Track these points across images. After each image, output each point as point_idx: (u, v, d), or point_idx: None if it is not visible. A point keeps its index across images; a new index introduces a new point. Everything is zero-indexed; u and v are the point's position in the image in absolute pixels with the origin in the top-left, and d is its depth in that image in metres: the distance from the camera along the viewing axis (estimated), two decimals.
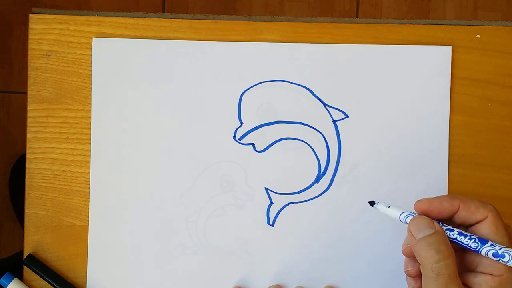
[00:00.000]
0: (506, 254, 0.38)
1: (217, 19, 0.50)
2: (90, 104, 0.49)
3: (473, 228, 0.41)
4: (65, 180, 0.49)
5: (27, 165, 0.49)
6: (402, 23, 0.50)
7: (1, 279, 0.48)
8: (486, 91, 0.49)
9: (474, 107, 0.49)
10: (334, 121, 0.49)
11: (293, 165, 0.49)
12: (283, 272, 0.49)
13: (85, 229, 0.49)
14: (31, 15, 0.49)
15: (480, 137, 0.49)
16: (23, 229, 0.49)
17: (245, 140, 0.49)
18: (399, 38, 0.49)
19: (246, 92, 0.49)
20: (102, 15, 0.49)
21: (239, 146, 0.49)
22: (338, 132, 0.49)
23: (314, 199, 0.49)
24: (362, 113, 0.49)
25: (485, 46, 0.49)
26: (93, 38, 0.49)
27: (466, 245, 0.40)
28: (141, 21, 0.49)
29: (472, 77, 0.49)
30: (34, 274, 0.49)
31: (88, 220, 0.49)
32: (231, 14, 0.51)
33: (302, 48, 0.49)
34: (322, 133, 0.49)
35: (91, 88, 0.49)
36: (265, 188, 0.49)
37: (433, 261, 0.39)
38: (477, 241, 0.39)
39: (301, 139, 0.49)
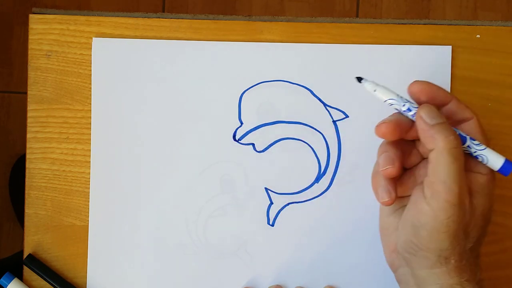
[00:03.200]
0: (484, 157, 0.39)
1: (217, 19, 0.50)
2: (90, 104, 0.49)
3: (458, 127, 0.41)
4: (65, 180, 0.49)
5: (27, 165, 0.49)
6: (402, 23, 0.50)
7: (1, 279, 0.48)
8: (486, 91, 0.49)
9: (474, 107, 0.49)
10: (334, 121, 0.49)
11: (293, 165, 0.49)
12: (283, 272, 0.49)
13: (85, 229, 0.49)
14: (31, 15, 0.49)
15: None
16: (23, 229, 0.49)
17: (245, 140, 0.49)
18: (399, 38, 0.49)
19: (246, 92, 0.49)
20: (102, 15, 0.49)
21: (239, 146, 0.49)
22: (338, 132, 0.49)
23: (314, 199, 0.49)
24: (362, 113, 0.49)
25: (485, 46, 0.49)
26: (93, 38, 0.49)
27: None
28: (141, 21, 0.49)
29: (472, 77, 0.49)
30: (34, 274, 0.49)
31: (88, 220, 0.49)
32: (231, 14, 0.51)
33: (302, 48, 0.49)
34: (322, 133, 0.49)
35: (91, 88, 0.49)
36: (265, 188, 0.49)
37: (453, 145, 0.38)
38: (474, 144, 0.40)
39: (301, 139, 0.49)
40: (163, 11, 1.17)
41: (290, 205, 0.49)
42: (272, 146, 0.49)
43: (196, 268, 0.49)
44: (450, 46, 0.49)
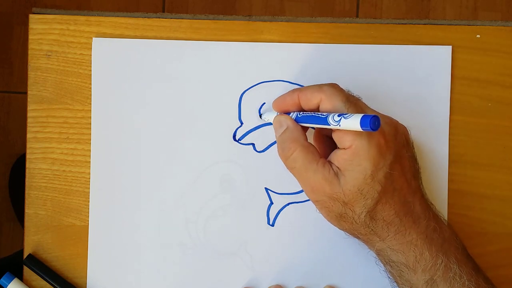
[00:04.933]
0: (331, 119, 0.40)
1: (217, 19, 0.50)
2: (90, 104, 0.49)
3: (321, 111, 0.42)
4: (65, 180, 0.49)
5: (27, 165, 0.49)
6: (402, 23, 0.50)
7: (1, 279, 0.48)
8: (486, 91, 0.49)
9: (474, 107, 0.49)
10: None
11: None
12: (283, 272, 0.49)
13: (85, 229, 0.49)
14: (31, 15, 0.49)
15: (480, 137, 0.49)
16: (23, 229, 0.49)
17: (245, 140, 0.49)
18: (399, 38, 0.49)
19: (246, 92, 0.49)
20: (102, 15, 0.49)
21: (239, 146, 0.49)
22: None
23: None
24: None
25: (485, 46, 0.49)
26: (93, 38, 0.49)
27: (315, 123, 0.41)
28: (141, 21, 0.49)
29: (472, 77, 0.49)
30: (34, 274, 0.49)
31: (88, 220, 0.49)
32: (231, 14, 0.51)
33: (302, 48, 0.49)
34: None
35: (91, 88, 0.49)
36: (265, 188, 0.49)
37: (284, 159, 0.43)
38: (316, 116, 0.41)
39: None
40: (163, 11, 1.17)
41: (290, 205, 0.49)
42: (272, 146, 0.49)
43: (196, 268, 0.49)
44: (450, 46, 0.49)
